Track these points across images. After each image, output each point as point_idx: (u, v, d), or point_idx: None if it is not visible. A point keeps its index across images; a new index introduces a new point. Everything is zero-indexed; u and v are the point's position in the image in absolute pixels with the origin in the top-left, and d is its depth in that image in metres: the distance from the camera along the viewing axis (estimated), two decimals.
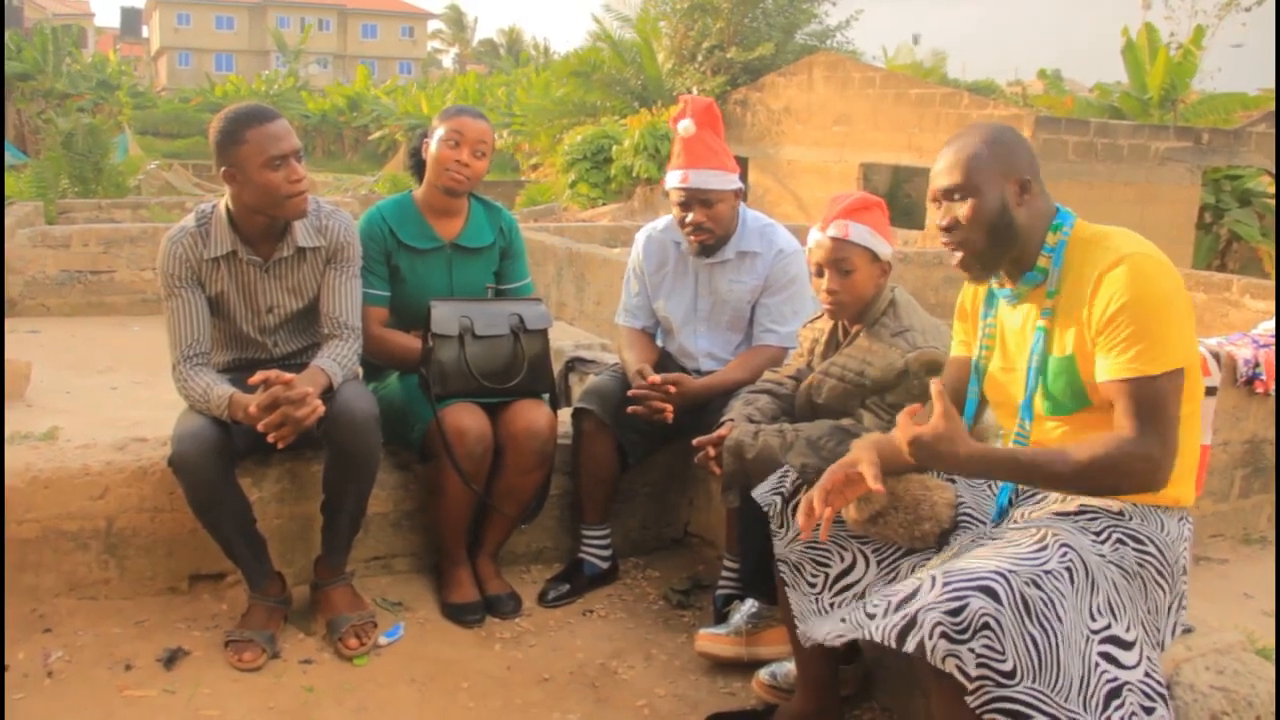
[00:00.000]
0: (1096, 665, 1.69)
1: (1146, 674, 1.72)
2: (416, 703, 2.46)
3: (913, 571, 2.01)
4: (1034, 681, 1.62)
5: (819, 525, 1.97)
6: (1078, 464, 1.78)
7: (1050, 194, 1.98)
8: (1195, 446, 1.91)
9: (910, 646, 1.64)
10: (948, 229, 1.94)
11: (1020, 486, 2.01)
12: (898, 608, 1.69)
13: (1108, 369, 1.81)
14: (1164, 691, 1.73)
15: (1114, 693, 1.68)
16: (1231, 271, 12.54)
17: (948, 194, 1.94)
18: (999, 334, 2.05)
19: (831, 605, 2.10)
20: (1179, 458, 1.82)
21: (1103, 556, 1.78)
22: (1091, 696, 1.67)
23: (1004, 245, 1.92)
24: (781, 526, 2.23)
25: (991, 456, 1.85)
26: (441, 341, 2.80)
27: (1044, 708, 1.62)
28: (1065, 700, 1.63)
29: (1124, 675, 1.70)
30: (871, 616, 1.73)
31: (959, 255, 1.96)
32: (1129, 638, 1.73)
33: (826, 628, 1.94)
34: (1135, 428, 1.76)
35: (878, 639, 1.69)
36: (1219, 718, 1.75)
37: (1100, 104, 17.05)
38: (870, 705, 2.46)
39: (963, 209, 1.92)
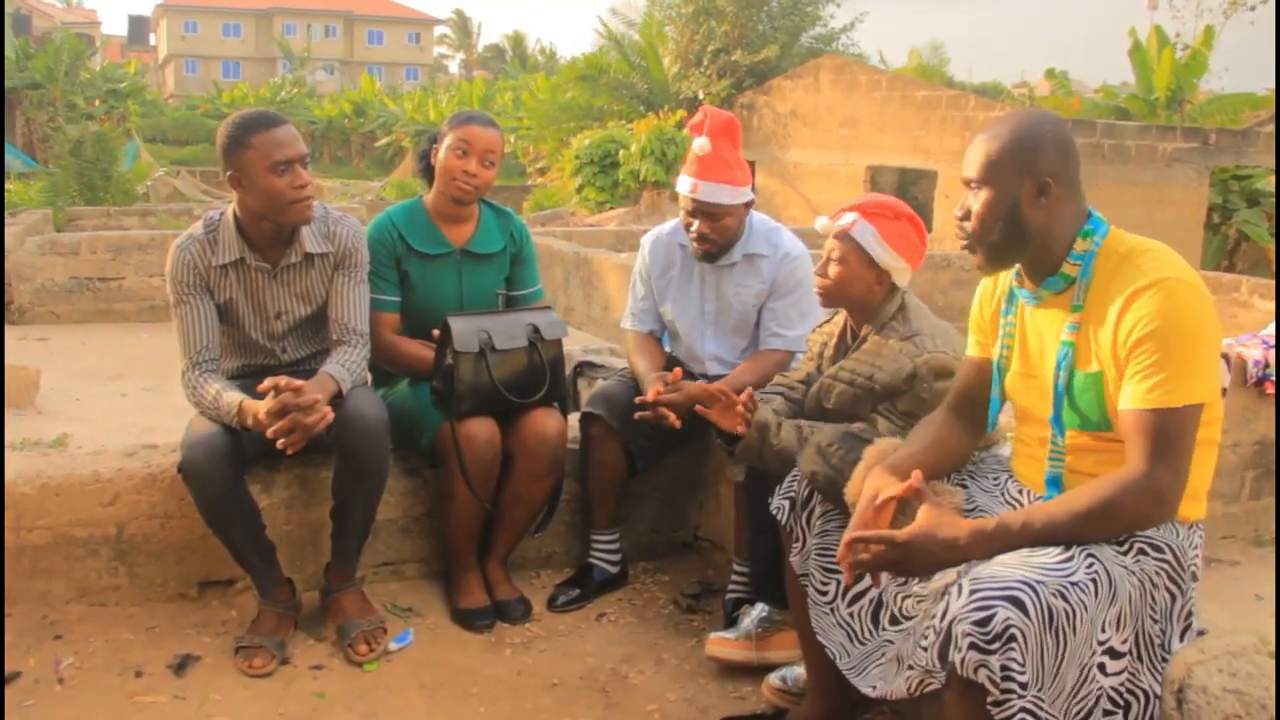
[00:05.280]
0: (1091, 676, 1.70)
1: (1122, 681, 1.73)
2: (427, 708, 2.46)
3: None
4: (1039, 690, 1.62)
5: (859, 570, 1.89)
6: (1078, 512, 1.75)
7: (1084, 197, 1.91)
8: (1209, 469, 1.89)
9: (953, 660, 1.63)
10: (961, 219, 1.93)
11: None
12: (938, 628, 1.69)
13: (1129, 397, 1.77)
14: (1133, 699, 1.74)
15: (1097, 701, 1.71)
16: (1240, 272, 12.48)
17: (967, 183, 1.92)
18: (1019, 335, 2.01)
19: (849, 616, 2.08)
20: (1192, 479, 1.80)
21: (1125, 568, 1.76)
22: (1078, 702, 1.68)
23: (1015, 244, 1.89)
24: (795, 540, 2.22)
25: (990, 528, 1.78)
26: (463, 359, 2.78)
27: (1038, 713, 1.62)
28: (1059, 711, 1.65)
29: (1108, 683, 1.72)
30: (924, 649, 1.73)
31: (966, 243, 1.95)
32: (1122, 649, 1.74)
33: (899, 681, 1.87)
34: (1147, 460, 1.73)
35: (932, 669, 1.70)
36: None
37: (1107, 105, 17.03)
38: (881, 709, 2.45)
39: (976, 201, 1.90)
